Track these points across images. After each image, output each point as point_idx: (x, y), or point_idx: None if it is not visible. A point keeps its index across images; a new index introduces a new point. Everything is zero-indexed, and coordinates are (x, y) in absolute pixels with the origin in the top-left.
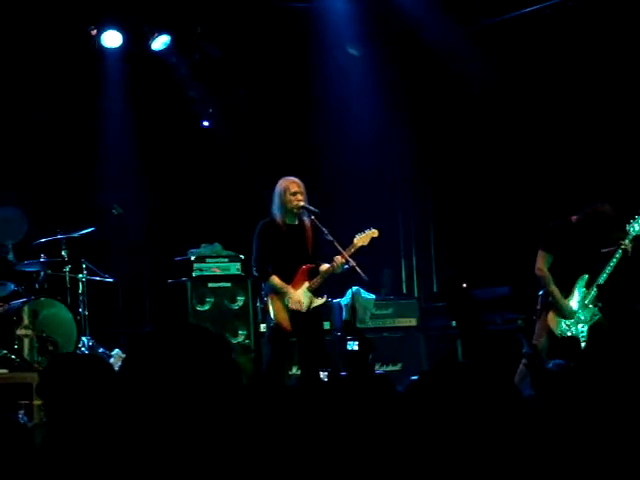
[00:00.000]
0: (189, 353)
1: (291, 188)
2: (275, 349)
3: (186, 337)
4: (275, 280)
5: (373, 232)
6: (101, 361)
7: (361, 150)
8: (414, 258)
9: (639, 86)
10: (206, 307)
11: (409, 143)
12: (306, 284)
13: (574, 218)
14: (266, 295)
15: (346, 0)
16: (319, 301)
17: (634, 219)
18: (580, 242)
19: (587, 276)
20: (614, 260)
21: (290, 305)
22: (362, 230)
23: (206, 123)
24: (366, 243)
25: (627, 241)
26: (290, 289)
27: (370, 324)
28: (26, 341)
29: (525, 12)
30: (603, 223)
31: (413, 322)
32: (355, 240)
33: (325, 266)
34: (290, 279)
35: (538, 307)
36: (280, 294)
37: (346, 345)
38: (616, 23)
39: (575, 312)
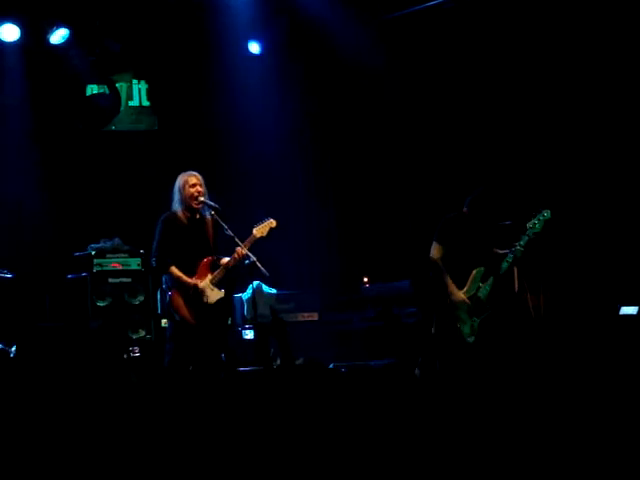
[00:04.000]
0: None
1: (190, 181)
2: (179, 344)
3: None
4: (174, 271)
5: (271, 222)
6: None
7: (264, 144)
8: (316, 252)
9: (537, 76)
10: (106, 302)
11: (312, 137)
12: (209, 276)
13: (465, 210)
14: (168, 289)
15: None
16: (221, 293)
17: (534, 216)
18: (472, 232)
19: (483, 269)
20: (505, 265)
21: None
22: (260, 220)
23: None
24: (265, 234)
25: (519, 245)
26: (189, 280)
27: (271, 319)
28: None
29: (427, 6)
30: (488, 207)
31: (314, 316)
32: (254, 231)
33: (225, 260)
34: (192, 272)
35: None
36: (182, 288)
37: (241, 334)
38: (516, 16)
39: (467, 303)
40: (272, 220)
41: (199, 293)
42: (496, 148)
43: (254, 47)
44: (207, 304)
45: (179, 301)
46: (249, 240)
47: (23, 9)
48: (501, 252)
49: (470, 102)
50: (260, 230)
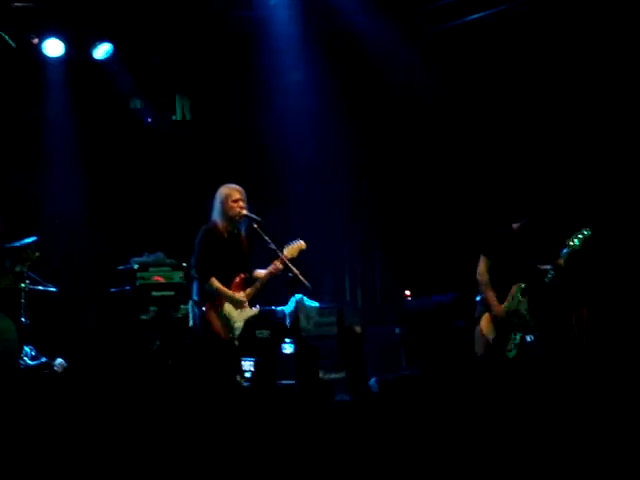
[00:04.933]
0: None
1: (233, 195)
2: (212, 357)
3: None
4: (215, 282)
5: (300, 244)
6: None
7: (304, 159)
8: (358, 265)
9: (578, 92)
10: (149, 316)
11: (352, 150)
12: (242, 294)
13: (515, 226)
14: (202, 304)
15: (288, 7)
16: (252, 311)
17: (574, 234)
18: (519, 250)
19: (524, 285)
20: (549, 278)
21: (226, 308)
22: (290, 241)
23: (149, 120)
24: (295, 255)
25: (562, 259)
26: (231, 292)
27: (313, 332)
28: None
29: (468, 20)
30: (540, 230)
31: (357, 329)
32: (285, 252)
33: (261, 272)
34: (227, 286)
35: (476, 315)
36: (216, 303)
37: (281, 349)
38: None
39: (506, 318)
40: (302, 242)
41: (237, 307)
42: (538, 165)
43: (296, 74)
44: (239, 321)
45: (212, 316)
46: (279, 262)
47: (67, 24)
48: (543, 268)
49: (515, 118)
50: (290, 251)
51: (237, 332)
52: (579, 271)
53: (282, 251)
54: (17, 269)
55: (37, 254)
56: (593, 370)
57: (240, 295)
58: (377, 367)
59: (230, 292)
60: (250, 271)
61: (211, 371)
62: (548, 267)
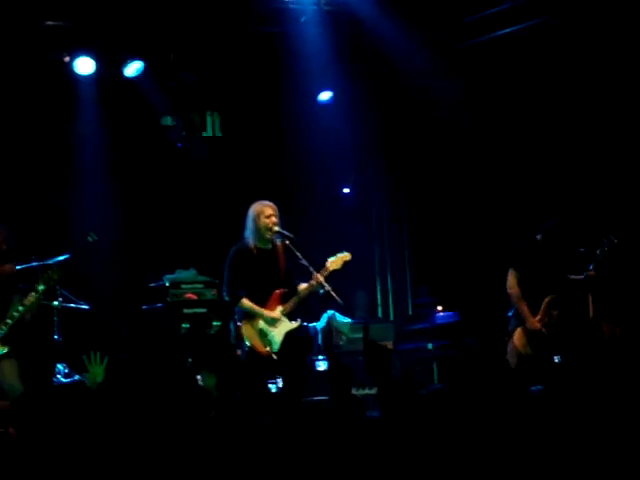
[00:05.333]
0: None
1: (265, 212)
2: (250, 373)
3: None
4: (246, 302)
5: (345, 255)
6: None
7: (336, 173)
8: (389, 281)
9: (608, 108)
10: (182, 333)
11: (385, 167)
12: (280, 308)
13: (540, 237)
14: (239, 320)
15: (319, 24)
16: (293, 325)
17: (603, 244)
18: (546, 260)
19: (556, 296)
20: (580, 286)
21: (261, 325)
22: (334, 254)
23: (180, 145)
24: (339, 267)
25: (593, 270)
26: (263, 310)
27: (345, 348)
28: None
29: (499, 35)
30: (562, 236)
31: (389, 345)
32: (328, 264)
33: (303, 286)
34: (263, 303)
35: (509, 328)
36: (252, 319)
37: (315, 366)
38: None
39: (541, 330)
40: (347, 254)
41: (271, 324)
42: (570, 175)
43: (325, 95)
44: (278, 335)
45: (250, 330)
46: (322, 272)
47: (98, 43)
48: (574, 279)
49: (544, 131)
50: (334, 263)
51: (276, 346)
52: (614, 281)
53: (321, 266)
54: (40, 288)
55: (56, 275)
56: (625, 381)
57: (273, 313)
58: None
59: (262, 310)
60: (292, 285)
61: (246, 386)
62: (580, 277)
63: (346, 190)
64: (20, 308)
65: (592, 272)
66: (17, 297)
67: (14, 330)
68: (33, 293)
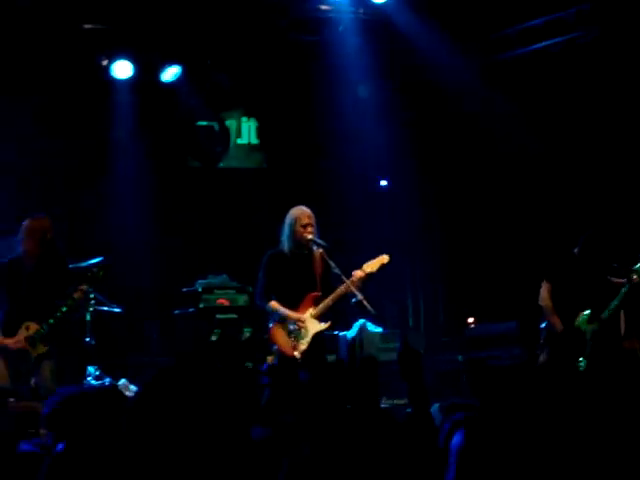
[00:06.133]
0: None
1: (302, 219)
2: (280, 376)
3: (205, 371)
4: (274, 305)
5: (383, 258)
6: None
7: (371, 183)
8: (421, 292)
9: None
10: (213, 338)
11: (418, 176)
12: (311, 310)
13: (576, 250)
14: (271, 323)
15: (356, 34)
16: (321, 326)
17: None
18: (582, 274)
19: (590, 311)
20: (621, 294)
21: (291, 327)
22: (371, 258)
23: (215, 150)
24: (375, 270)
25: (636, 275)
26: (290, 312)
27: (376, 357)
28: None
29: (535, 49)
30: (598, 249)
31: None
32: (364, 267)
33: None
34: (296, 306)
35: (541, 341)
36: (283, 321)
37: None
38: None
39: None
40: (385, 256)
41: (300, 325)
42: (606, 189)
43: (363, 90)
44: (306, 337)
45: (279, 333)
46: (358, 275)
47: (136, 47)
48: (616, 281)
49: (581, 141)
50: (371, 266)
51: (303, 347)
52: None
53: (354, 273)
54: (84, 288)
55: (102, 273)
56: None
57: (299, 315)
58: (439, 395)
59: (288, 312)
60: (328, 289)
61: (275, 387)
62: (622, 280)
63: (380, 191)
64: (64, 309)
65: (635, 277)
66: (64, 296)
67: (55, 330)
68: (77, 294)
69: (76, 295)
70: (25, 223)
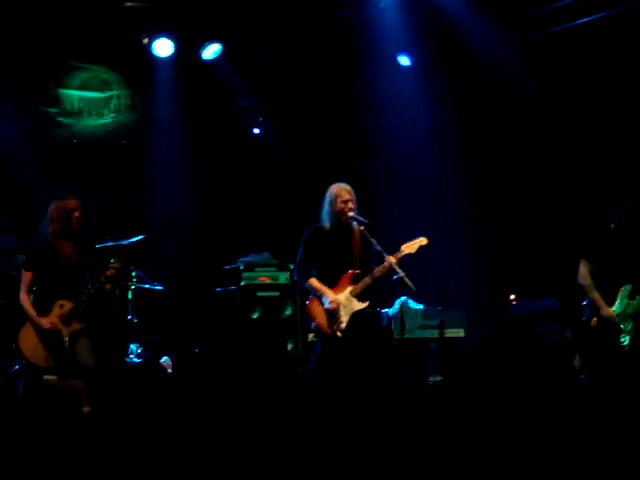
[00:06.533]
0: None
1: (342, 196)
2: (321, 353)
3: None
4: (313, 283)
5: (421, 240)
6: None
7: (413, 156)
8: (463, 268)
9: None
10: (255, 316)
11: (461, 153)
12: (349, 288)
13: (613, 226)
14: (309, 299)
15: (396, 10)
16: (360, 305)
17: None
18: (621, 249)
19: (630, 286)
20: None
21: (326, 306)
22: (410, 239)
23: (257, 131)
24: (413, 251)
25: None
26: (327, 291)
27: (417, 334)
28: None
29: (578, 24)
30: (636, 222)
31: (461, 333)
32: (402, 247)
33: (374, 270)
34: (334, 284)
35: (583, 318)
36: (320, 297)
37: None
38: None
39: (615, 320)
40: (423, 238)
41: (337, 305)
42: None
43: (404, 60)
44: (345, 315)
45: (318, 309)
46: (396, 255)
47: (177, 25)
48: None
49: (619, 120)
50: (409, 247)
51: (342, 325)
52: None
53: (395, 251)
54: (116, 266)
55: (130, 253)
56: None
57: (337, 294)
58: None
59: (327, 290)
60: (367, 268)
61: (316, 365)
62: None
63: (421, 170)
64: (97, 286)
65: None
66: (95, 275)
67: (89, 308)
68: (109, 271)
69: (108, 273)
70: (53, 204)
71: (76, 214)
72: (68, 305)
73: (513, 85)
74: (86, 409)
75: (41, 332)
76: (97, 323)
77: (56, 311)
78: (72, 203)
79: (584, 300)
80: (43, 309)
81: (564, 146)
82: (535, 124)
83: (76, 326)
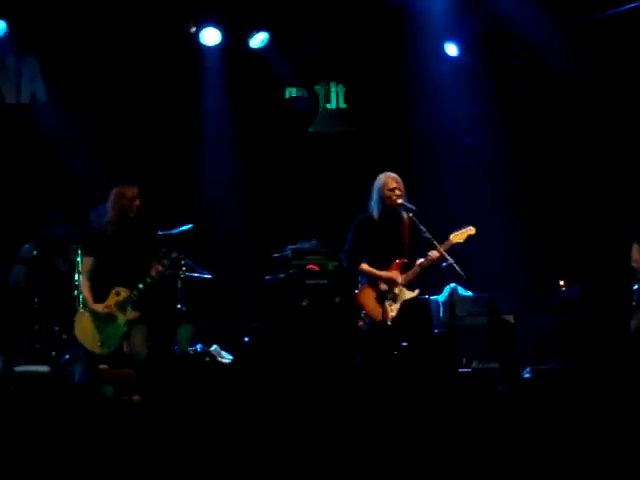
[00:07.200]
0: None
1: (390, 184)
2: (371, 341)
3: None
4: (365, 267)
5: (470, 229)
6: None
7: (459, 146)
8: (512, 254)
9: None
10: (303, 304)
11: (511, 140)
12: (399, 277)
13: None
14: (359, 287)
15: None
16: (410, 294)
17: None
18: None
19: None
20: None
21: (381, 287)
22: (458, 228)
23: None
24: (462, 240)
25: None
26: (381, 272)
27: (467, 321)
28: None
29: (629, 8)
30: None
31: (510, 319)
32: (451, 237)
33: (420, 260)
34: (383, 270)
35: (634, 303)
36: (372, 285)
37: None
38: None
39: None
40: (471, 227)
41: (390, 289)
42: None
43: (451, 49)
44: (396, 304)
45: (368, 296)
46: (445, 244)
47: (224, 14)
48: None
49: None
50: (458, 236)
51: (392, 314)
52: None
53: (444, 239)
54: (173, 255)
55: (185, 240)
56: None
57: (392, 274)
58: (530, 357)
59: (380, 272)
60: (414, 257)
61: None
62: None
63: (467, 152)
64: (153, 274)
65: None
66: (151, 263)
67: (145, 295)
68: (165, 260)
69: (165, 261)
70: (113, 191)
71: (136, 202)
72: (124, 292)
73: (560, 71)
74: (136, 398)
75: (97, 318)
76: (152, 312)
77: (112, 298)
78: (133, 191)
79: (635, 284)
80: (100, 295)
81: (615, 131)
82: (583, 112)
83: (131, 314)
